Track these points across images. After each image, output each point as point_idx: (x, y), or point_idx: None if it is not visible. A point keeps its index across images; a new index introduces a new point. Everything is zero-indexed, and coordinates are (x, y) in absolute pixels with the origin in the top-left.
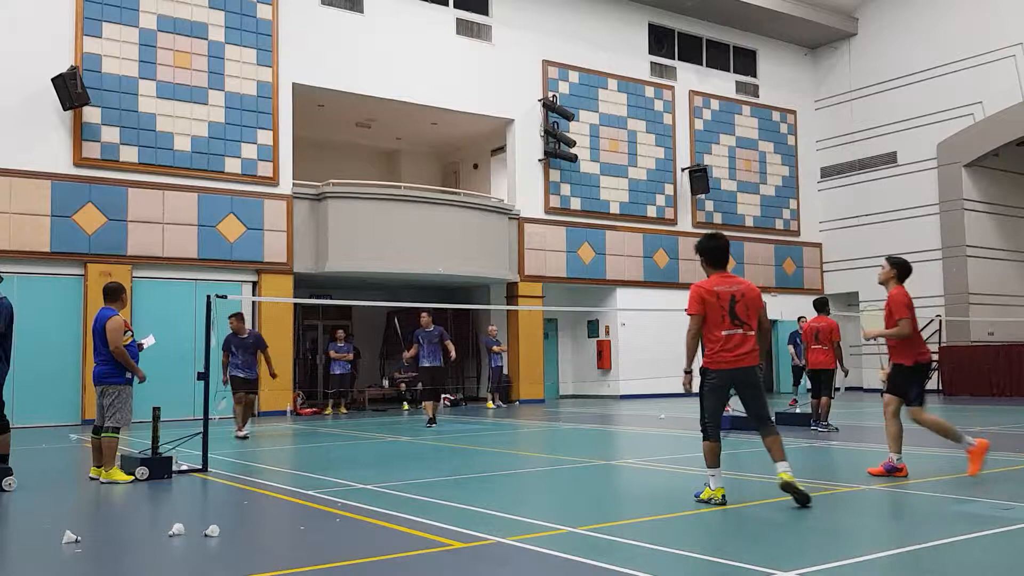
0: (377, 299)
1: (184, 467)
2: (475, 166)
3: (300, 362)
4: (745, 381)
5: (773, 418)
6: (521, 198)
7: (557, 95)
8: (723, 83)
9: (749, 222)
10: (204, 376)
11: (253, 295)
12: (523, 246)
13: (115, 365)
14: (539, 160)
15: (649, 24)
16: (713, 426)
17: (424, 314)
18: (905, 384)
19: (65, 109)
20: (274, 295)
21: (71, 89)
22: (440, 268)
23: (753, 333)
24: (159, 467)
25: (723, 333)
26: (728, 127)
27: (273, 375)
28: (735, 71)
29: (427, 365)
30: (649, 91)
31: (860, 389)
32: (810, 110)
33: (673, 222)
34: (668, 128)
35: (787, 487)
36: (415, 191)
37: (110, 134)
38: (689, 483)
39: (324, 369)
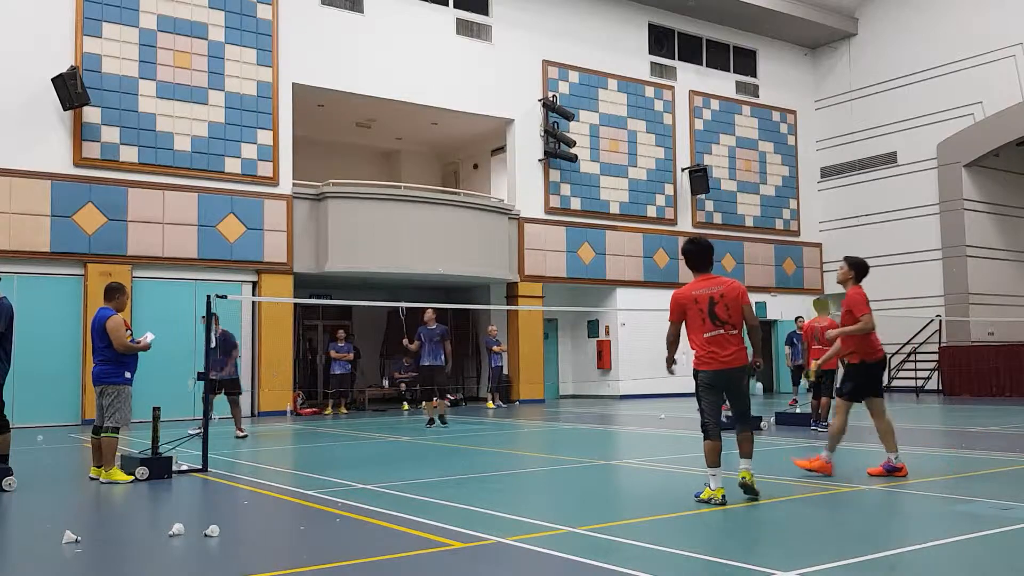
0: (377, 299)
1: (184, 467)
2: (475, 166)
3: (300, 362)
4: (734, 381)
5: (781, 418)
6: (521, 198)
7: (557, 95)
8: (723, 83)
9: (749, 222)
10: (204, 376)
11: (253, 295)
12: (523, 246)
13: (114, 365)
14: (539, 160)
15: (649, 24)
16: (712, 425)
17: (429, 311)
18: (866, 381)
19: (65, 109)
20: (274, 295)
21: (71, 89)
22: (440, 268)
23: (737, 332)
24: (159, 467)
25: (705, 336)
26: (728, 127)
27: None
28: (735, 71)
29: (427, 363)
30: (649, 91)
31: None
32: (810, 110)
33: (673, 222)
34: (668, 128)
35: (743, 485)
36: (415, 191)
37: (110, 134)
38: (689, 483)
39: (324, 369)
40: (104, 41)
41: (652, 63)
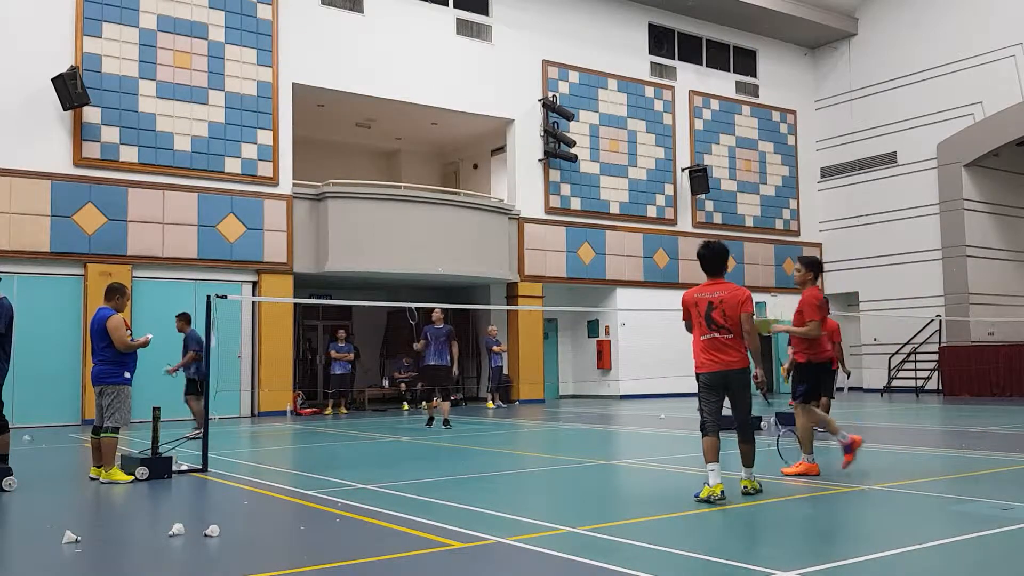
0: (377, 299)
1: (184, 467)
2: (475, 166)
3: (300, 362)
4: (729, 384)
5: (781, 418)
6: (521, 198)
7: (557, 95)
8: (723, 83)
9: (749, 222)
10: (204, 376)
11: (253, 295)
12: (523, 246)
13: (114, 365)
14: (539, 160)
15: (649, 24)
16: (711, 424)
17: (437, 310)
18: (801, 381)
19: (65, 109)
20: (274, 295)
21: (71, 89)
22: (440, 268)
23: (733, 336)
24: (159, 467)
25: (701, 338)
26: (728, 127)
27: (170, 372)
28: (735, 71)
29: (433, 363)
30: (649, 91)
31: (861, 389)
32: (810, 110)
33: (673, 222)
34: (668, 128)
35: (746, 494)
36: (415, 191)
37: (110, 134)
38: (689, 483)
39: (324, 369)
40: (104, 41)
41: (652, 63)
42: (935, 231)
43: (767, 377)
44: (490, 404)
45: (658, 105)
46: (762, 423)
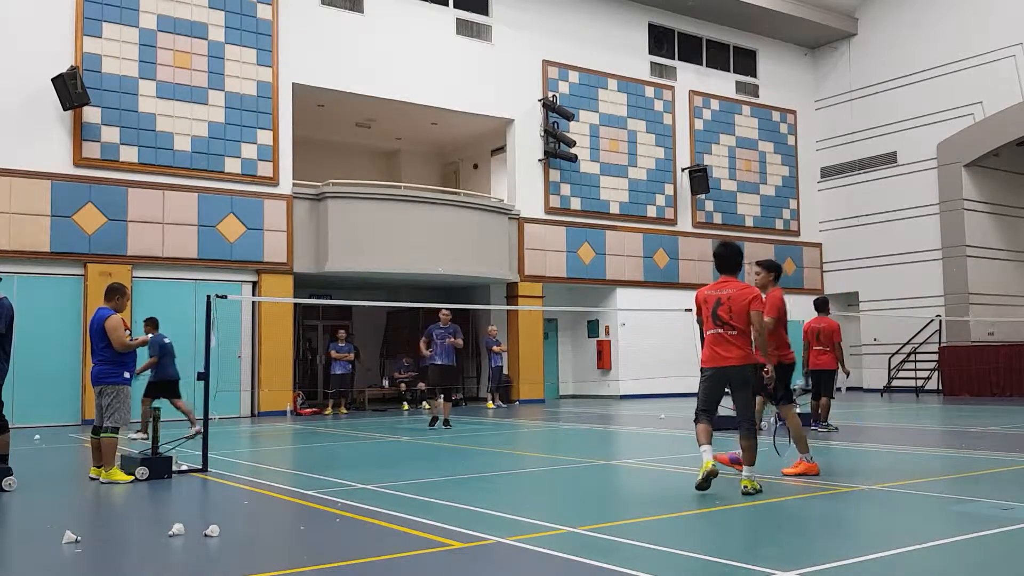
0: (377, 299)
1: (184, 467)
2: (475, 166)
3: (300, 362)
4: (731, 380)
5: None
6: (521, 198)
7: (557, 95)
8: (723, 83)
9: (749, 222)
10: (204, 376)
11: (253, 295)
12: (523, 246)
13: (113, 365)
14: (539, 160)
15: (649, 24)
16: (702, 411)
17: (445, 311)
18: (778, 384)
19: (65, 109)
20: (274, 295)
21: (71, 89)
22: (440, 268)
23: (736, 333)
24: (159, 467)
25: (707, 333)
26: (728, 127)
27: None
28: (735, 71)
29: (439, 363)
30: (649, 91)
31: (860, 389)
32: (810, 110)
33: (673, 222)
34: (668, 128)
35: (746, 493)
36: (415, 191)
37: (110, 134)
38: (689, 483)
39: (324, 369)
40: (104, 41)
41: (652, 63)
42: (935, 231)
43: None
44: (490, 404)
45: (658, 105)
46: (762, 423)
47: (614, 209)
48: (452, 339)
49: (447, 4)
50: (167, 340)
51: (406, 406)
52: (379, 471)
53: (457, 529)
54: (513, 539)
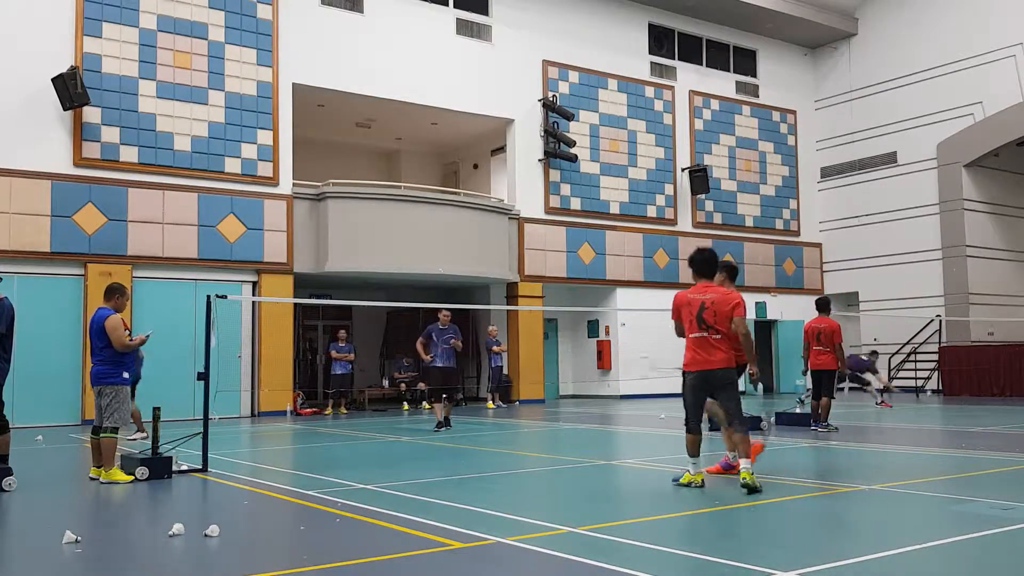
0: (377, 299)
1: (184, 467)
2: (475, 166)
3: (300, 362)
4: (715, 382)
5: (781, 418)
6: (521, 198)
7: (557, 95)
8: (723, 83)
9: (749, 222)
10: (204, 376)
11: (253, 295)
12: (523, 246)
13: (113, 365)
14: (539, 160)
15: (649, 24)
16: (693, 421)
17: (444, 312)
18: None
19: (65, 109)
20: (274, 295)
21: (71, 89)
22: (440, 268)
23: (720, 337)
24: (159, 467)
25: (691, 336)
26: (728, 127)
27: None
28: (735, 71)
29: (440, 365)
30: (649, 91)
31: (861, 390)
32: (810, 110)
33: (673, 222)
34: (668, 128)
35: (745, 486)
36: (415, 191)
37: (110, 134)
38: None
39: (324, 369)
40: (104, 41)
41: (652, 63)
42: (935, 231)
43: (768, 374)
44: (490, 404)
45: (658, 105)
46: (762, 423)
47: (614, 209)
48: (455, 341)
49: (447, 4)
50: None
51: (406, 406)
52: (379, 471)
53: (457, 529)
54: (513, 539)
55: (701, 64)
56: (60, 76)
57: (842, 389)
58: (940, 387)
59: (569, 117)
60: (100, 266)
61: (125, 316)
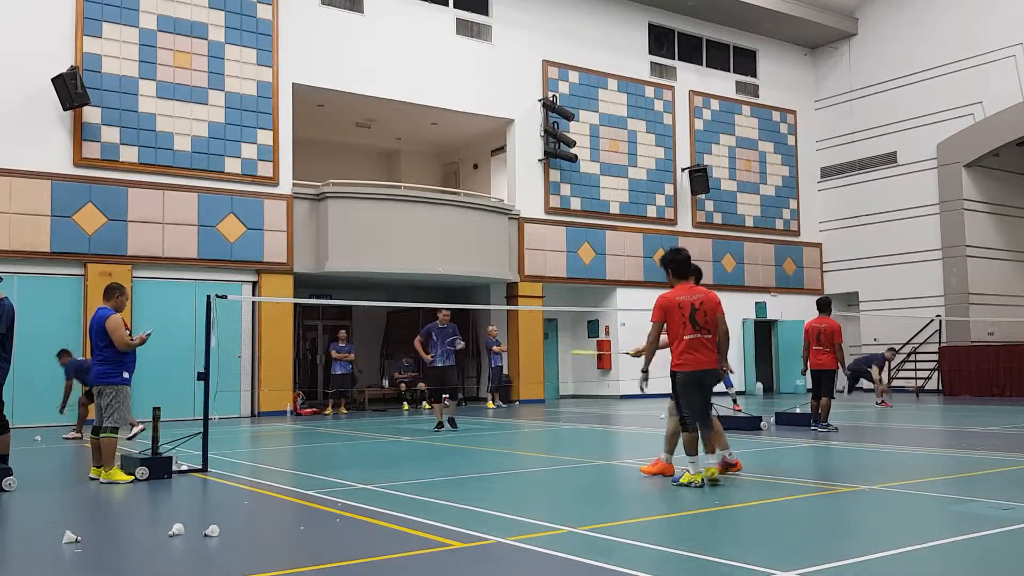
0: (377, 299)
1: (184, 467)
2: (475, 166)
3: (300, 362)
4: (704, 381)
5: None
6: (521, 198)
7: (557, 95)
8: (723, 83)
9: (749, 222)
10: (204, 376)
11: (253, 295)
12: (523, 246)
13: (113, 365)
14: (539, 160)
15: (649, 24)
16: (691, 419)
17: (444, 312)
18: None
19: (65, 109)
20: (274, 295)
21: (71, 89)
22: (440, 268)
23: (711, 337)
24: (159, 467)
25: (685, 338)
26: (728, 127)
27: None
28: (735, 71)
29: (440, 365)
30: (649, 91)
31: (861, 390)
32: (810, 110)
33: (673, 222)
34: (668, 128)
35: (711, 479)
36: (415, 191)
37: (110, 134)
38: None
39: (325, 369)
40: (104, 41)
41: (652, 63)
42: (935, 231)
43: (767, 374)
44: (490, 404)
45: (658, 105)
46: (762, 423)
47: (614, 209)
48: (460, 343)
49: (447, 4)
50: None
51: (406, 406)
52: (379, 471)
53: (457, 529)
54: (513, 539)
55: (701, 64)
56: (60, 76)
57: (841, 391)
58: (940, 387)
59: (569, 117)
60: (100, 266)
61: (125, 316)
